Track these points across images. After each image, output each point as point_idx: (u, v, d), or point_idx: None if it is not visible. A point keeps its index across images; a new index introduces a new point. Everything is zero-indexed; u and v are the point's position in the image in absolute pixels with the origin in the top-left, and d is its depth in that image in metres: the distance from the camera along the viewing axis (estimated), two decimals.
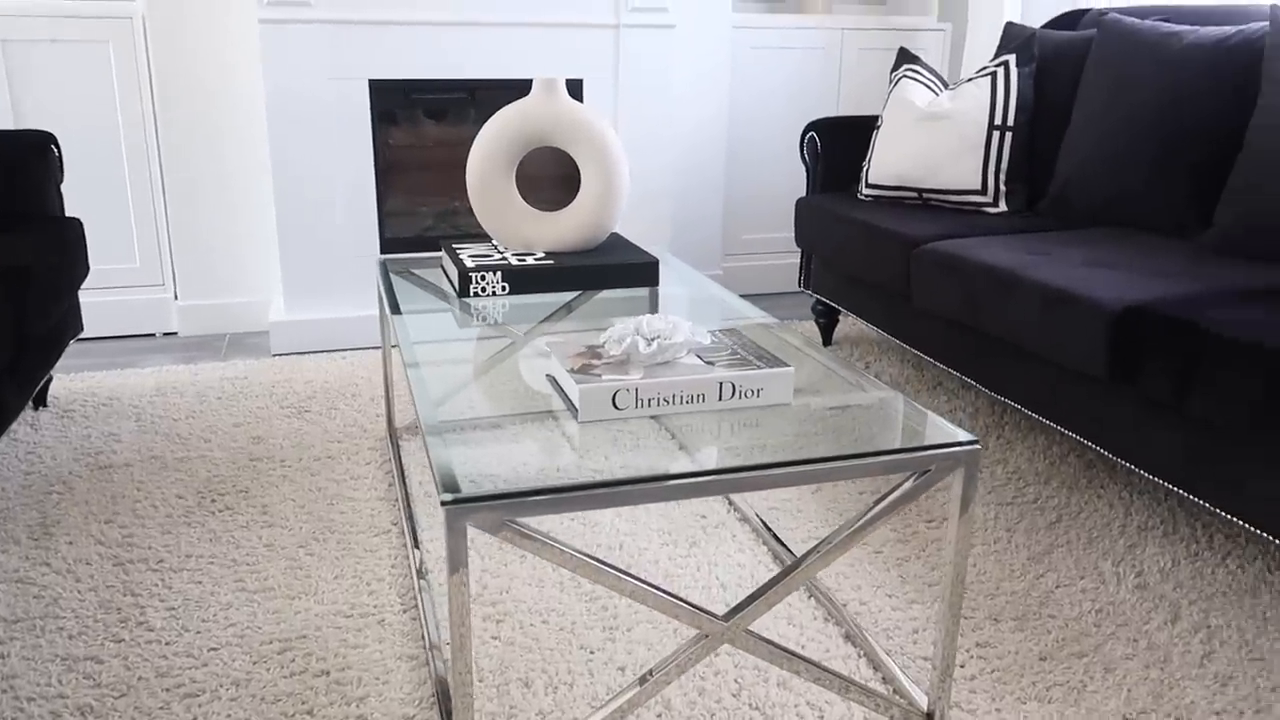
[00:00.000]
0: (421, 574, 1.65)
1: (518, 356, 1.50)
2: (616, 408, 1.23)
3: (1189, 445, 1.63)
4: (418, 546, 1.75)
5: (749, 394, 1.28)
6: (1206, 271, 1.85)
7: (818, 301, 2.94)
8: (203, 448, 2.18)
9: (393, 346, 2.93)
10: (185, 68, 2.86)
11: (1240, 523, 1.56)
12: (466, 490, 1.03)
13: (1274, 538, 1.50)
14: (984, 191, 2.49)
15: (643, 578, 1.13)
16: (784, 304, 3.52)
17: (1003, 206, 2.49)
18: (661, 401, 1.24)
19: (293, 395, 2.51)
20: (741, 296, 3.64)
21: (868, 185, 2.66)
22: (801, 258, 2.94)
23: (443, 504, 1.01)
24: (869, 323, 2.59)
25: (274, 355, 2.86)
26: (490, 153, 1.92)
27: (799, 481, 1.12)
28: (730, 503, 1.94)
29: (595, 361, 1.30)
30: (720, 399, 1.27)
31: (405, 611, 1.56)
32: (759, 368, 1.29)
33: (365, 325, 2.92)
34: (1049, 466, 2.12)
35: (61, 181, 2.39)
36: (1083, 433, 1.86)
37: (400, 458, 2.11)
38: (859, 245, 2.48)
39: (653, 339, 1.29)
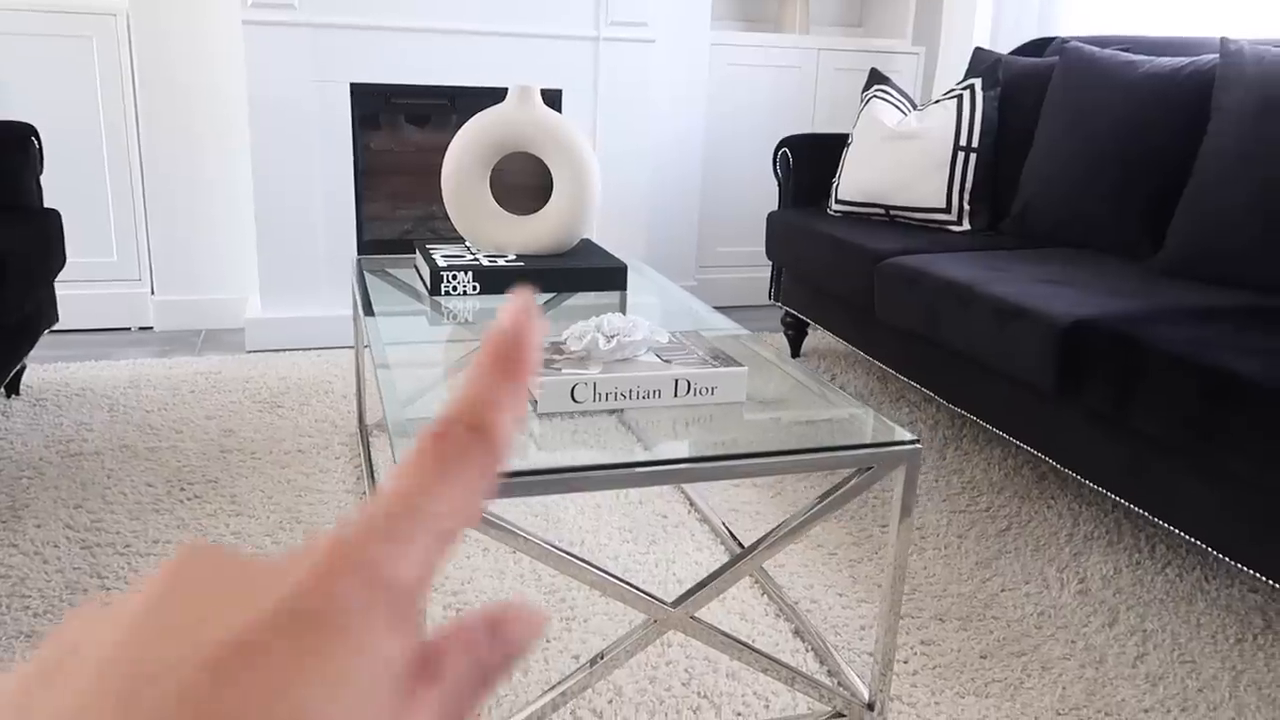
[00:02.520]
0: None
1: None
2: (575, 400, 1.28)
3: (1130, 456, 1.69)
4: None
5: (704, 391, 1.33)
6: (1154, 291, 1.92)
7: (787, 313, 3.00)
8: (174, 438, 2.20)
9: (365, 346, 2.96)
10: (167, 65, 2.89)
11: (1178, 532, 1.62)
12: None
13: (1207, 546, 1.57)
14: (948, 210, 2.56)
15: (597, 565, 1.17)
16: (756, 316, 3.58)
17: (966, 225, 2.57)
18: (619, 396, 1.29)
19: (266, 390, 2.54)
20: (714, 309, 3.70)
21: (837, 201, 2.73)
22: (772, 270, 3.01)
23: None
24: (835, 335, 2.65)
25: (249, 352, 2.89)
26: (465, 156, 1.97)
27: (743, 474, 1.17)
28: (691, 503, 1.98)
29: (557, 357, 1.35)
30: (676, 395, 1.32)
31: None
32: (715, 368, 1.34)
33: (340, 325, 2.95)
34: (1003, 477, 2.18)
35: (41, 173, 2.41)
36: (1034, 444, 1.92)
37: (370, 454, 2.15)
38: (826, 258, 2.54)
39: (612, 336, 1.34)
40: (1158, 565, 1.81)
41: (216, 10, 2.89)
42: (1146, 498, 1.67)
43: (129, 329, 3.08)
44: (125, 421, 2.29)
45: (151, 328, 3.09)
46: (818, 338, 3.28)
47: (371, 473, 2.05)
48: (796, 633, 1.56)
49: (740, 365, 1.35)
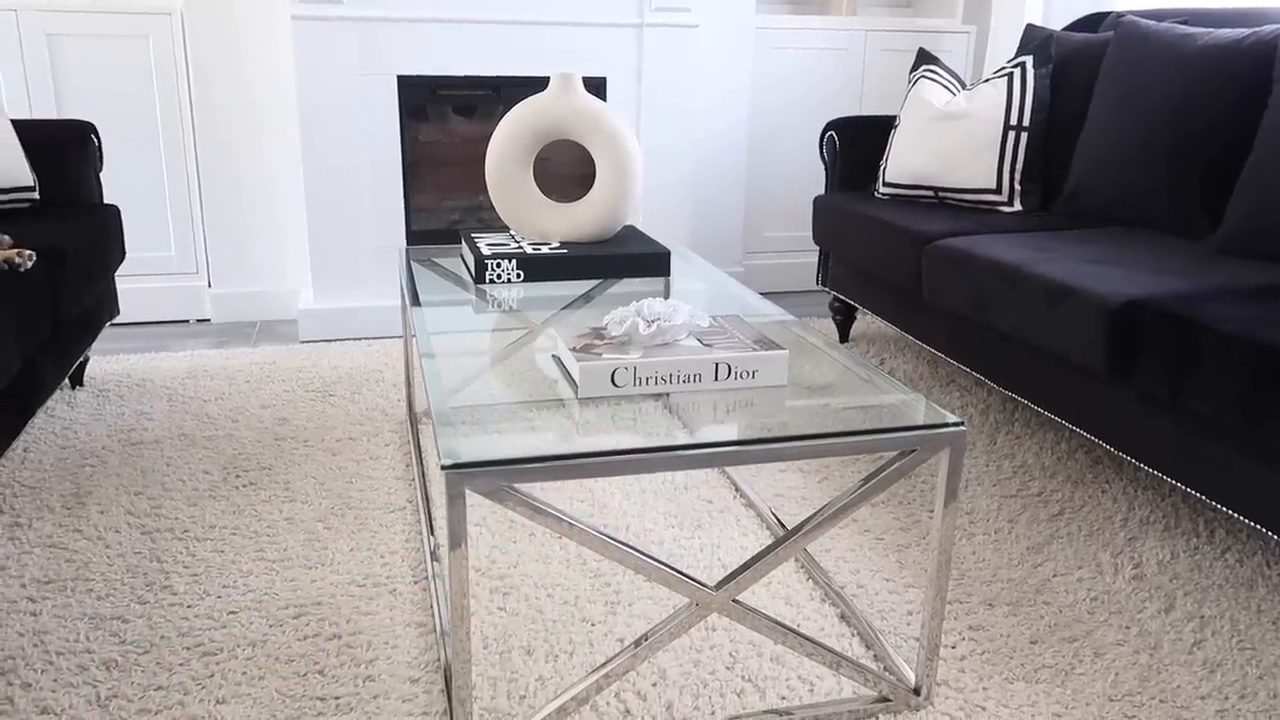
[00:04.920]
0: (435, 556, 1.71)
1: (532, 346, 1.56)
2: (615, 385, 1.28)
3: (1185, 438, 1.65)
4: (433, 533, 1.81)
5: (745, 375, 1.32)
6: (1210, 270, 1.87)
7: (835, 298, 2.97)
8: (230, 427, 2.25)
9: (413, 336, 3.00)
10: (221, 62, 2.95)
11: (1237, 516, 1.58)
12: (467, 457, 1.09)
13: (1268, 531, 1.52)
14: (999, 191, 2.52)
15: (640, 549, 1.18)
16: (804, 302, 3.56)
17: (1017, 206, 2.52)
18: (659, 380, 1.29)
19: (318, 380, 2.59)
20: (761, 294, 3.69)
21: (885, 184, 2.69)
22: (820, 255, 2.98)
23: (443, 469, 1.07)
24: (884, 319, 2.62)
25: (302, 342, 2.94)
26: (508, 144, 1.98)
27: (784, 458, 1.16)
28: (736, 488, 1.98)
29: (598, 342, 1.35)
30: (716, 379, 1.31)
31: (416, 582, 1.62)
32: (756, 351, 1.34)
33: (390, 315, 3.00)
34: (1056, 462, 2.14)
35: (100, 170, 2.48)
36: (1085, 427, 1.89)
37: (419, 441, 2.18)
38: (873, 242, 2.51)
39: (653, 321, 1.34)
40: (1217, 550, 1.77)
41: (267, 7, 2.94)
42: (1202, 480, 1.63)
43: (187, 321, 3.15)
44: (184, 411, 2.35)
45: (209, 320, 3.16)
46: (866, 323, 3.24)
47: (420, 459, 2.07)
48: (842, 617, 1.55)
49: (782, 349, 1.34)
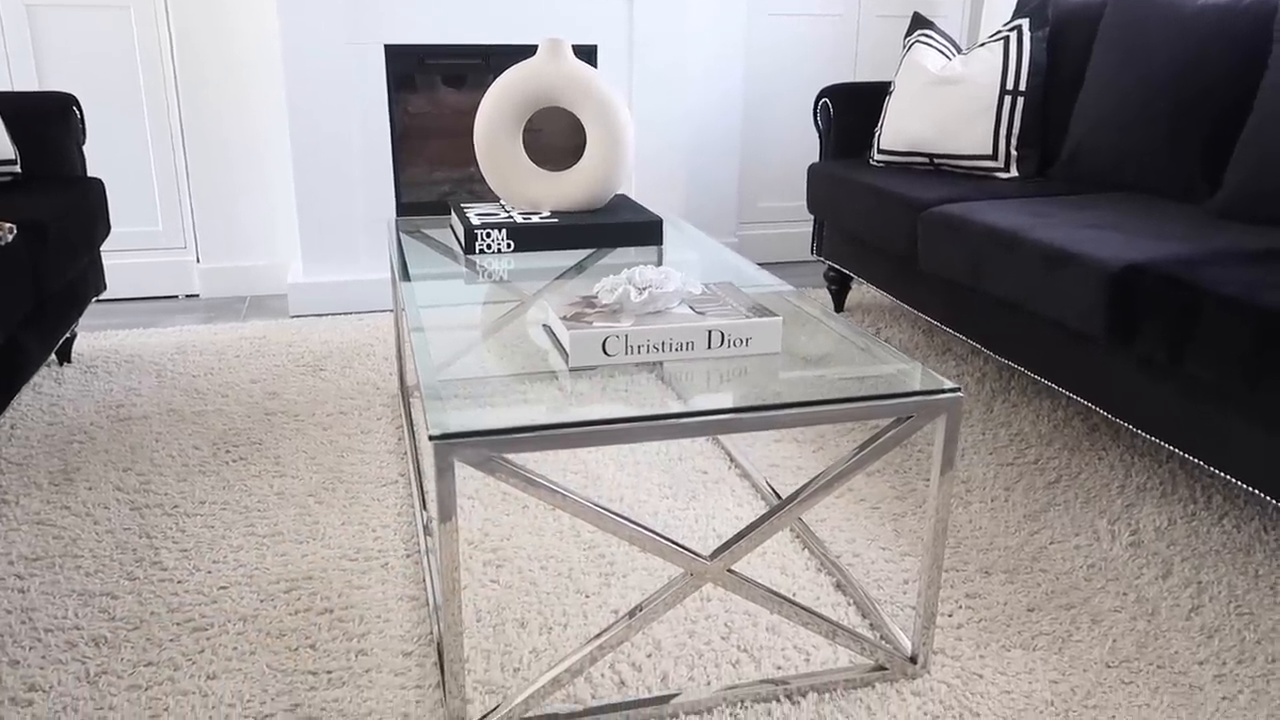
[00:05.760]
0: (428, 530, 1.70)
1: (524, 319, 1.54)
2: (606, 353, 1.26)
3: (1184, 404, 1.64)
4: (425, 507, 1.79)
5: (738, 343, 1.30)
6: (1209, 233, 1.85)
7: (830, 268, 2.95)
8: (220, 402, 2.23)
9: (403, 310, 2.98)
10: (206, 31, 2.90)
11: (1235, 481, 1.57)
12: (455, 428, 1.07)
13: (1266, 495, 1.51)
14: (995, 157, 2.49)
15: (634, 520, 1.16)
16: (800, 271, 3.53)
17: (1014, 172, 2.49)
18: (651, 348, 1.27)
19: (309, 355, 2.56)
20: (757, 265, 3.66)
21: (880, 151, 2.66)
22: (814, 224, 2.95)
23: (430, 439, 1.05)
24: (879, 288, 2.60)
25: (292, 317, 2.91)
26: (496, 112, 1.94)
27: (775, 426, 1.15)
28: (731, 459, 1.96)
29: (589, 310, 1.33)
30: (709, 347, 1.29)
31: (408, 555, 1.61)
32: (749, 318, 1.32)
33: (381, 288, 2.97)
34: (1053, 429, 2.13)
35: (83, 143, 2.44)
36: (1084, 394, 1.87)
37: (411, 415, 2.16)
38: (869, 210, 2.48)
39: (644, 288, 1.32)
40: (1214, 516, 1.76)
41: None
42: (1201, 446, 1.62)
43: (176, 297, 3.12)
44: (173, 386, 2.32)
45: (198, 295, 3.13)
46: (862, 292, 3.22)
47: (413, 433, 2.05)
48: (838, 586, 1.54)
49: (776, 315, 1.32)
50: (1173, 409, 1.67)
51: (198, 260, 3.11)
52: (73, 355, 2.51)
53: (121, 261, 3.04)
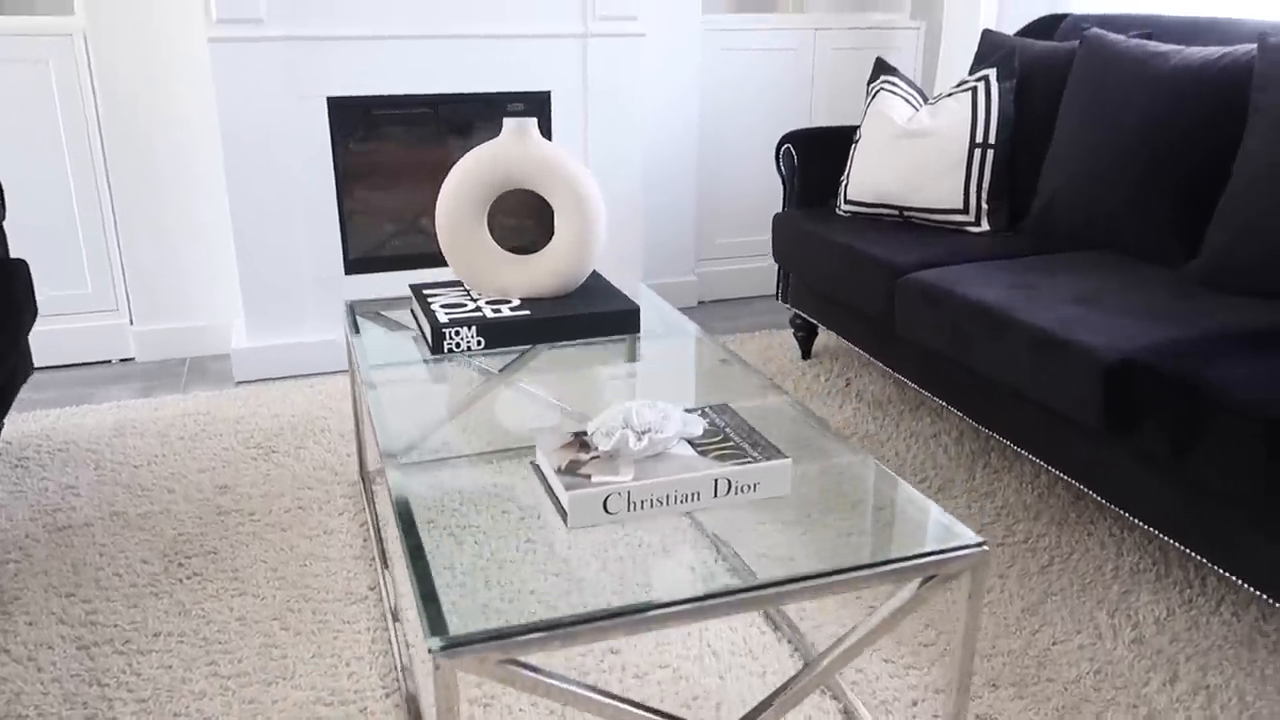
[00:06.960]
0: (407, 669, 1.59)
1: (515, 459, 1.44)
2: (608, 512, 1.17)
3: (1187, 501, 1.60)
4: (397, 619, 1.68)
5: (745, 489, 1.22)
6: (1200, 310, 1.82)
7: (796, 315, 2.88)
8: (166, 499, 2.09)
9: (361, 384, 2.85)
10: (132, 84, 2.72)
11: (1240, 581, 1.54)
12: (456, 630, 0.97)
13: (1273, 600, 1.48)
14: (966, 210, 2.44)
15: (651, 706, 1.08)
16: (759, 310, 3.47)
17: (985, 225, 2.45)
18: (655, 503, 1.19)
19: (258, 432, 2.42)
20: (716, 302, 3.58)
21: (847, 201, 2.60)
22: (779, 272, 2.89)
23: (431, 652, 0.95)
24: (851, 342, 2.54)
25: (237, 383, 2.76)
26: (460, 196, 1.83)
27: (806, 597, 1.07)
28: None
29: (583, 456, 1.24)
30: (715, 496, 1.21)
31: (388, 697, 1.50)
32: (754, 458, 1.24)
33: (331, 350, 2.82)
34: (1037, 499, 2.09)
35: (2, 219, 2.26)
36: (1076, 476, 1.83)
37: (375, 507, 2.04)
38: (839, 269, 2.42)
39: (643, 433, 1.23)
40: (1211, 604, 1.73)
41: (180, 26, 2.71)
42: (1202, 542, 1.58)
43: (109, 362, 2.94)
44: (114, 481, 2.17)
45: (133, 359, 2.95)
46: (829, 337, 3.17)
47: (379, 532, 1.94)
48: (845, 713, 1.47)
49: (784, 456, 1.24)
50: (1173, 504, 1.63)
51: (131, 322, 2.93)
52: (0, 445, 2.33)
53: (49, 328, 2.85)
